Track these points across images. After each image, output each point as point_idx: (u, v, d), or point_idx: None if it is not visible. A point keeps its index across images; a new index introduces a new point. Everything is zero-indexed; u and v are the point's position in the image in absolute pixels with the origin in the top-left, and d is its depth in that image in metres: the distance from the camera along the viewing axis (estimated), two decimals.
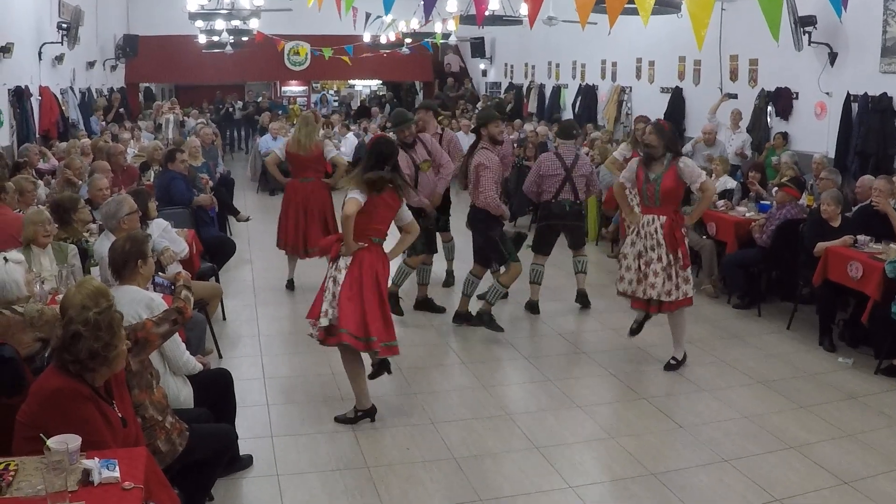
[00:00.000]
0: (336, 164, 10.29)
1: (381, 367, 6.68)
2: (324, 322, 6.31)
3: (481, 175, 8.50)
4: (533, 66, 24.15)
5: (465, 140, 19.02)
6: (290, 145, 10.26)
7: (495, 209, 8.55)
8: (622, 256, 7.87)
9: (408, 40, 20.73)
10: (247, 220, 13.32)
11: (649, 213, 7.65)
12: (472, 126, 8.57)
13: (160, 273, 6.57)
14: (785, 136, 12.97)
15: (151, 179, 11.19)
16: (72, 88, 18.16)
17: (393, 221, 6.59)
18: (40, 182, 10.01)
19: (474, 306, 8.93)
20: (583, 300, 9.83)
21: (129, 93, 25.23)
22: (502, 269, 8.92)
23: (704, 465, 5.92)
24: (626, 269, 7.77)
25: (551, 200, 9.37)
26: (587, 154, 14.46)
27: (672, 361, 7.91)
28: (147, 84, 29.12)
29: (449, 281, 10.67)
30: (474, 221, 8.82)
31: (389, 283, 7.43)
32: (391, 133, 8.99)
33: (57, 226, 7.45)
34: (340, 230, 6.48)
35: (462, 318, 9.04)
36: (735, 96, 14.28)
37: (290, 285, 10.41)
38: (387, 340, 6.42)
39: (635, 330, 8.22)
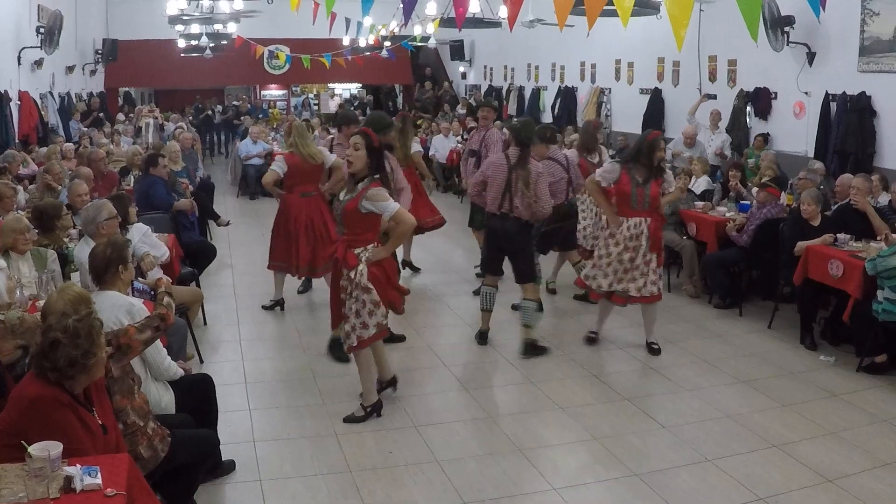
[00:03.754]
0: (336, 168, 9.36)
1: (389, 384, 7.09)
2: (366, 334, 6.43)
3: (542, 184, 8.03)
4: (512, 69, 24.20)
5: (444, 143, 19.09)
6: (296, 160, 9.26)
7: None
8: (601, 256, 8.05)
9: (387, 43, 20.76)
10: (227, 224, 13.30)
11: (637, 215, 7.91)
12: (516, 140, 8.19)
13: (140, 278, 6.54)
14: (766, 137, 13.02)
15: (131, 184, 11.14)
16: (51, 93, 18.08)
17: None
18: (20, 187, 9.96)
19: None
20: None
21: (109, 97, 25.15)
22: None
23: (687, 464, 5.93)
24: (606, 266, 8.01)
25: (563, 203, 9.23)
26: None
27: (654, 346, 8.28)
28: (127, 88, 29.03)
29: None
30: (520, 235, 8.18)
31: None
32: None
33: (38, 232, 7.42)
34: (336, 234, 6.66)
35: (531, 349, 8.40)
36: (714, 97, 14.34)
37: (279, 305, 9.67)
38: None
39: (595, 339, 8.51)
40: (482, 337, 8.62)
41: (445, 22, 14.39)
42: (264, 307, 9.68)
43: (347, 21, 19.01)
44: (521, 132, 8.16)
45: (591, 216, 10.39)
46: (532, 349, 8.25)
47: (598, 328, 8.55)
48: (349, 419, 6.62)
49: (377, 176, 6.37)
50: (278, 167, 9.34)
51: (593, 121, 11.95)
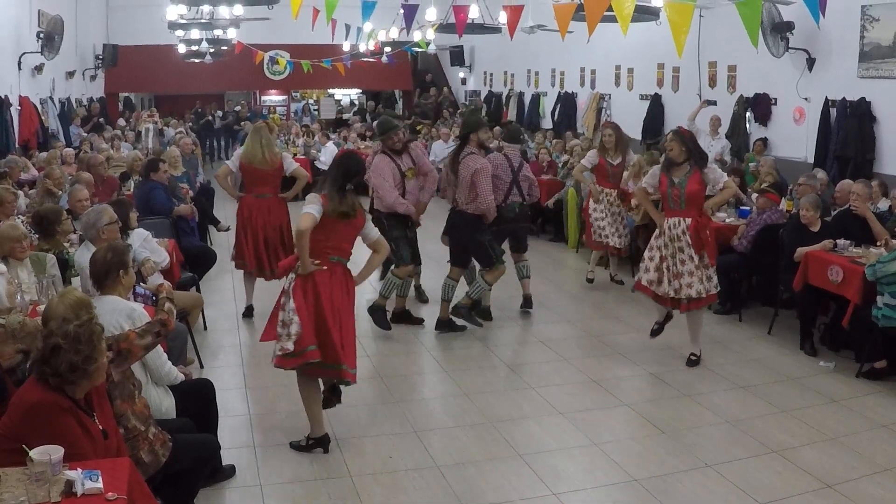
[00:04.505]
0: (298, 177, 9.62)
1: (332, 395, 6.48)
2: (288, 346, 5.94)
3: (480, 179, 8.55)
4: (512, 74, 24.18)
5: (444, 148, 19.11)
6: (246, 158, 9.28)
7: (493, 212, 8.74)
8: (651, 253, 8.02)
9: (387, 49, 20.79)
10: (227, 229, 13.24)
11: (674, 215, 7.86)
12: (459, 133, 8.67)
13: (140, 283, 6.55)
14: (765, 142, 13.03)
15: (132, 189, 11.14)
16: (51, 98, 18.10)
17: (360, 239, 6.27)
18: (20, 192, 9.97)
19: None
20: (527, 303, 9.91)
21: (109, 103, 25.14)
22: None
23: (687, 470, 5.93)
24: (649, 262, 8.01)
25: (501, 204, 9.24)
26: (566, 161, 14.50)
27: (693, 357, 8.12)
28: (127, 94, 29.04)
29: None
30: (461, 226, 8.82)
31: (377, 295, 7.46)
32: (377, 141, 9.08)
33: (39, 237, 7.43)
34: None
35: (445, 324, 9.04)
36: (714, 103, 14.32)
37: (250, 312, 9.60)
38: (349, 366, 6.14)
39: (657, 331, 8.40)
40: (439, 324, 9.08)
41: (445, 28, 14.41)
42: (243, 315, 9.70)
43: (347, 27, 19.06)
44: (463, 126, 8.96)
45: (610, 215, 10.54)
46: (471, 315, 8.95)
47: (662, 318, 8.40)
48: (293, 445, 6.27)
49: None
50: (231, 163, 9.55)
51: (604, 124, 12.10)
